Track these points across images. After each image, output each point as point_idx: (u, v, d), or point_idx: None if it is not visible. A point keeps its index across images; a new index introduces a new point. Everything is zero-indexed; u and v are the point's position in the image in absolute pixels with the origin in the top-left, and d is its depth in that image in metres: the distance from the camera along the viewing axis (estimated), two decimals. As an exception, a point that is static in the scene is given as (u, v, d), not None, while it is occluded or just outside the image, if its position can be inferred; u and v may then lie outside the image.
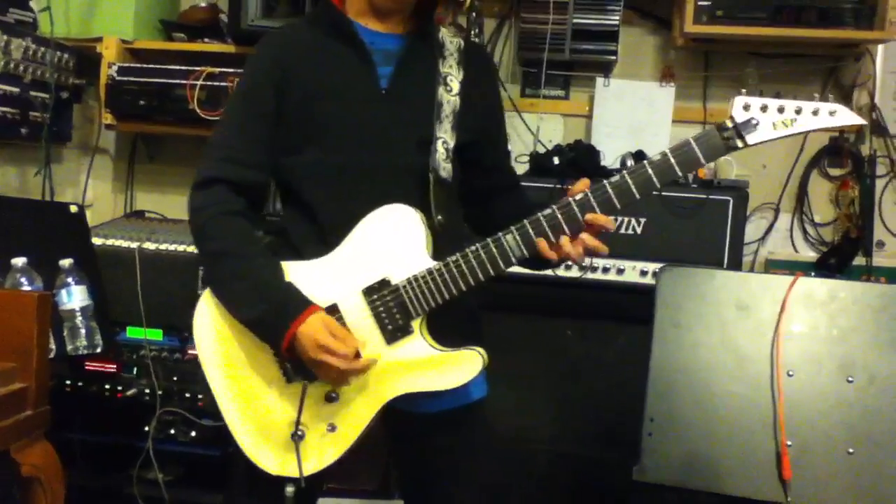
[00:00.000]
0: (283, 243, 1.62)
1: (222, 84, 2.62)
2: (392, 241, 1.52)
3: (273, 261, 1.56)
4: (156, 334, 2.42)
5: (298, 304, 1.49)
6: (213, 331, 1.59)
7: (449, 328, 1.54)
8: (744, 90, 1.45)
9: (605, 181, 1.46)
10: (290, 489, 1.51)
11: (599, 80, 2.88)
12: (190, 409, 2.39)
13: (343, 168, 1.56)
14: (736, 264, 2.39)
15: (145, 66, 2.73)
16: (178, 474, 2.49)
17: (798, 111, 1.40)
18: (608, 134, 2.85)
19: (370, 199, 1.53)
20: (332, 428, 1.53)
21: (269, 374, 1.56)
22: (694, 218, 2.37)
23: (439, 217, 1.53)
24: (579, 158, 2.60)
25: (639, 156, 2.68)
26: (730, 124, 1.42)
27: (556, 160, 2.58)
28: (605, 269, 2.41)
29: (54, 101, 2.70)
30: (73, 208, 2.27)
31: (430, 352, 1.51)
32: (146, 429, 2.39)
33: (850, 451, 1.65)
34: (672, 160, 1.43)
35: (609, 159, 2.76)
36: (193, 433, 2.40)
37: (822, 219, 2.87)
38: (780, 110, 1.41)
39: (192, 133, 2.80)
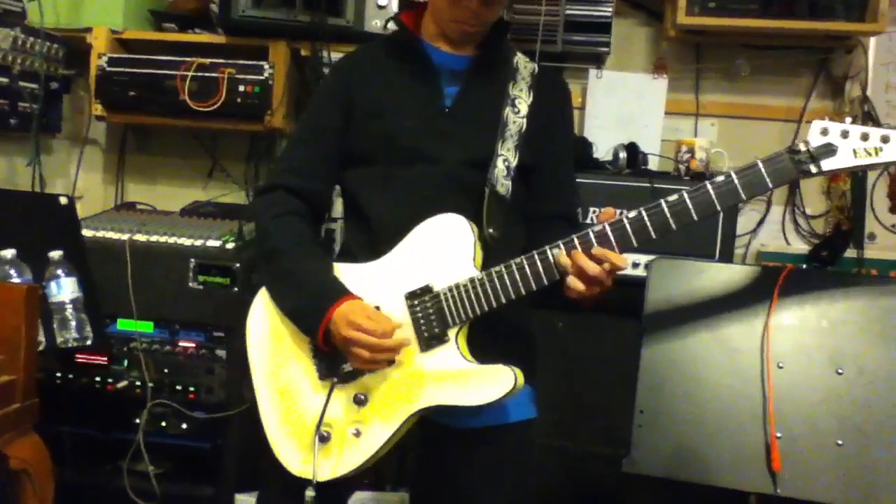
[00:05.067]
0: (342, 251, 1.69)
1: (213, 75, 2.60)
2: (441, 250, 1.53)
3: (324, 258, 1.61)
4: (146, 326, 2.41)
5: (339, 292, 1.52)
6: (263, 327, 1.62)
7: (493, 345, 1.52)
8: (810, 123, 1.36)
9: (661, 201, 1.41)
10: (310, 493, 1.47)
11: (592, 72, 2.87)
12: (181, 401, 2.39)
13: (402, 180, 1.60)
14: (727, 256, 2.39)
15: (135, 56, 2.72)
16: (168, 467, 2.48)
17: (885, 140, 1.31)
18: (600, 126, 2.84)
19: (425, 210, 1.54)
20: (357, 433, 1.51)
21: (306, 373, 1.57)
22: (686, 210, 2.36)
23: (491, 230, 1.54)
24: (571, 150, 2.59)
25: (631, 148, 2.68)
26: (803, 148, 1.36)
27: (548, 152, 2.57)
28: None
29: (44, 91, 2.68)
30: (63, 200, 2.24)
31: (461, 364, 1.48)
32: (137, 421, 2.38)
33: (840, 442, 1.65)
34: (737, 182, 1.38)
35: (601, 151, 2.76)
36: (184, 426, 2.41)
37: (813, 211, 2.87)
38: (864, 138, 1.32)
39: (182, 124, 2.79)
